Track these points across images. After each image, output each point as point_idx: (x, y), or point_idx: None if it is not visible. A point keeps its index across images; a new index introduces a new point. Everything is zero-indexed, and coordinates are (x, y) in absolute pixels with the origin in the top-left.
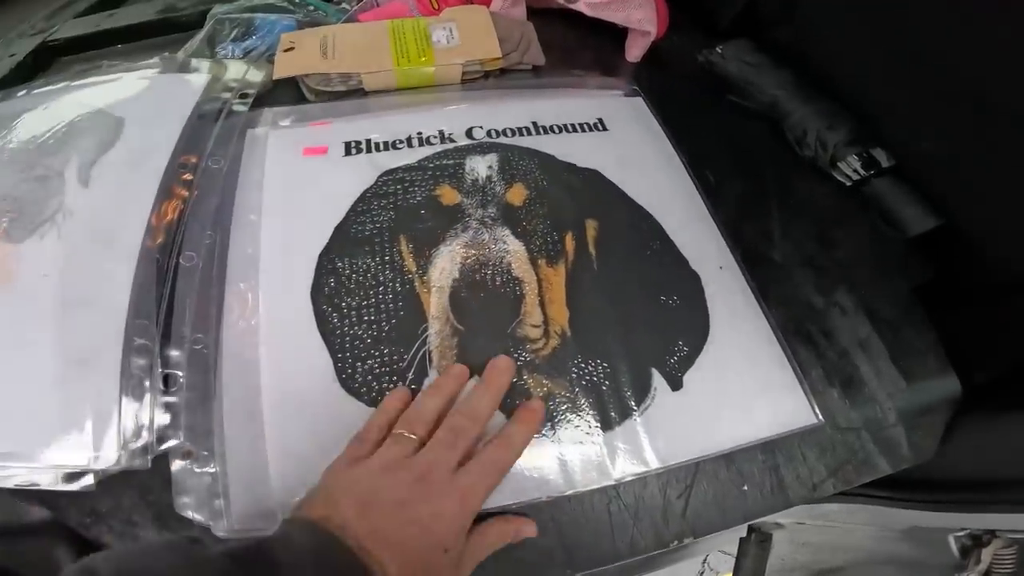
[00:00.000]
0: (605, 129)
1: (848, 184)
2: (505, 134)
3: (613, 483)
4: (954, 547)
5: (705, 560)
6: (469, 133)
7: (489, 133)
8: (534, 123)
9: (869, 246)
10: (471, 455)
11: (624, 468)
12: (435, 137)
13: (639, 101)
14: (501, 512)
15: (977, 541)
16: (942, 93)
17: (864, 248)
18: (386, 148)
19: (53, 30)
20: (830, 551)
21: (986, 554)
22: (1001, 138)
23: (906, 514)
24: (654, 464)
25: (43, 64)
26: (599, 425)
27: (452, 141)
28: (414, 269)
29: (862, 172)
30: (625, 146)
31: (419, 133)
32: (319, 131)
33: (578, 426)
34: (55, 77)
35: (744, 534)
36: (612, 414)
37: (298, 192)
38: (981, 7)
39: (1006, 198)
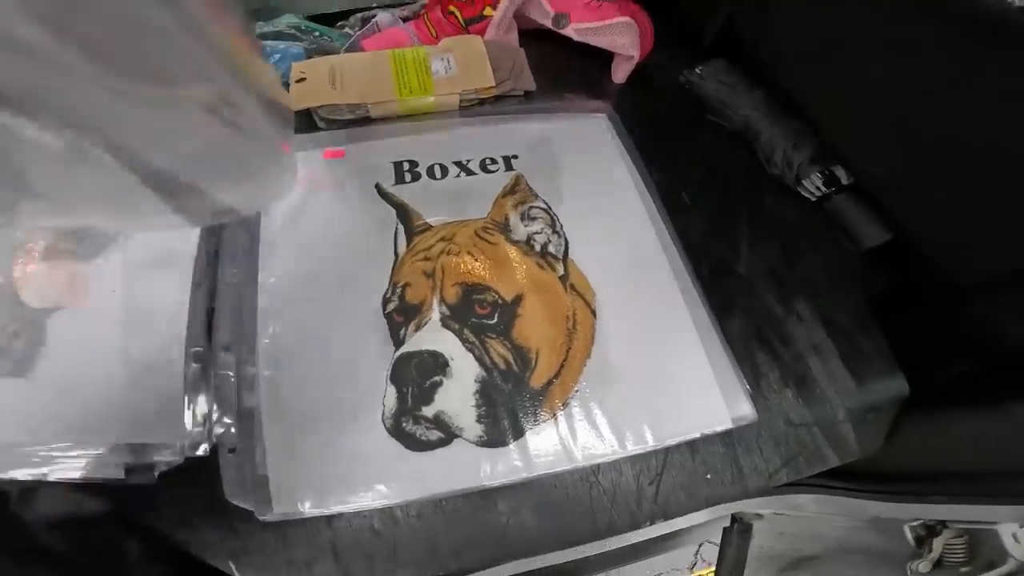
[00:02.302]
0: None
1: (812, 200)
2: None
3: (577, 468)
4: (909, 536)
5: (698, 551)
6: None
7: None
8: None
9: (829, 259)
10: None
11: (586, 456)
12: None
13: (601, 120)
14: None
15: (930, 531)
16: (885, 121)
17: (824, 261)
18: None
19: None
20: (806, 540)
21: (937, 543)
22: (939, 162)
23: (867, 505)
24: (608, 455)
25: None
26: (566, 430)
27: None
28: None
29: (824, 189)
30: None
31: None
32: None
33: (548, 429)
34: None
35: (727, 524)
36: (572, 415)
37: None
38: (914, 45)
39: (949, 214)
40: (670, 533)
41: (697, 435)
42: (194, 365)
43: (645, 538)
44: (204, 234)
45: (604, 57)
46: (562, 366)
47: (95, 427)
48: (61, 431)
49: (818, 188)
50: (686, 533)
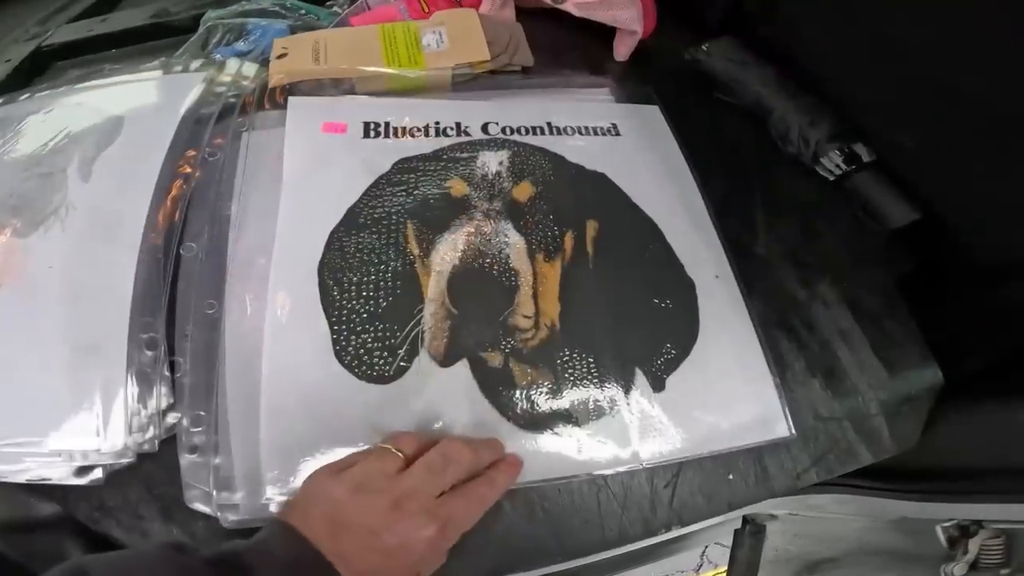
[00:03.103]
0: (618, 134)
1: (831, 179)
2: (519, 132)
3: (587, 475)
4: (942, 538)
5: (703, 553)
6: (485, 128)
7: (504, 130)
8: (548, 123)
9: (851, 239)
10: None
11: (598, 463)
12: (452, 128)
13: (655, 110)
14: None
15: (964, 531)
16: (918, 90)
17: (847, 241)
18: (403, 135)
19: (47, 35)
20: (823, 542)
21: (973, 544)
22: (976, 134)
23: (894, 504)
24: (627, 462)
25: (39, 69)
26: (576, 419)
27: (467, 134)
28: (416, 252)
29: (844, 167)
30: (635, 152)
31: (436, 123)
32: (339, 107)
33: (556, 418)
34: (56, 81)
35: (739, 526)
36: (591, 408)
37: (317, 168)
38: (950, 8)
39: (983, 192)
40: (677, 536)
41: (732, 448)
42: (147, 352)
43: (650, 543)
44: (160, 205)
45: (605, 35)
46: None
47: (33, 419)
48: None
49: (837, 166)
50: (693, 535)
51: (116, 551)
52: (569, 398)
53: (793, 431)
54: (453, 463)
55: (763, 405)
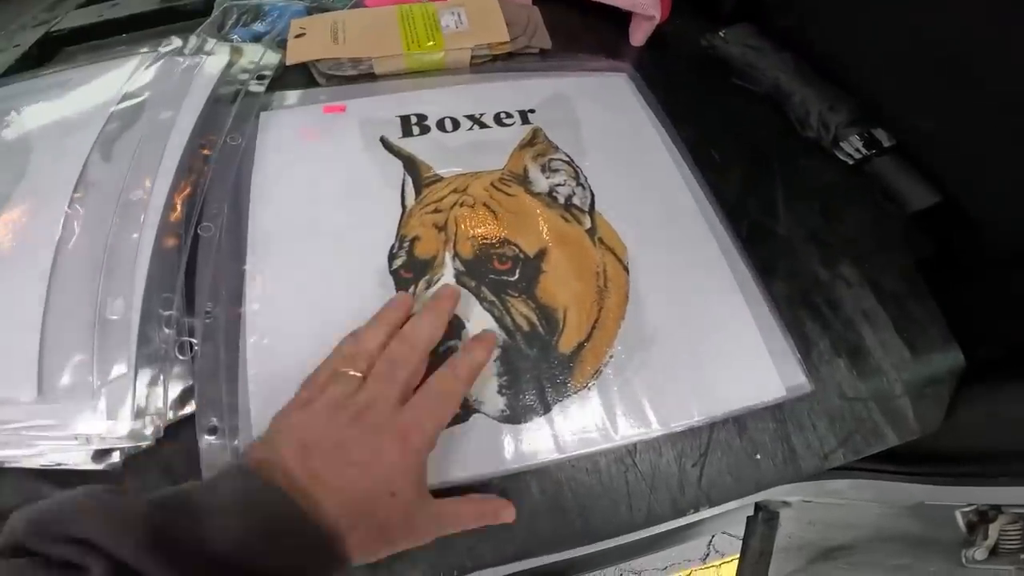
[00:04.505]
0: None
1: (851, 163)
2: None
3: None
4: (961, 523)
5: (710, 542)
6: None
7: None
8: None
9: (872, 222)
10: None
11: (621, 431)
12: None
13: (622, 78)
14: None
15: (983, 516)
16: (938, 74)
17: (867, 223)
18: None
19: (56, 20)
20: (838, 529)
21: (993, 529)
22: (994, 118)
23: (912, 489)
24: (651, 427)
25: (48, 54)
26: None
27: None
28: None
29: (864, 151)
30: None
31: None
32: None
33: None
34: (79, 59)
35: (751, 512)
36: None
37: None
38: None
39: (1002, 176)
40: (686, 524)
41: (747, 408)
42: (165, 330)
43: (660, 531)
44: (180, 186)
45: (620, 20)
46: (594, 327)
47: (47, 401)
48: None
49: (857, 150)
50: (700, 524)
51: (46, 500)
52: (598, 394)
53: (809, 383)
54: (400, 365)
55: (767, 360)
